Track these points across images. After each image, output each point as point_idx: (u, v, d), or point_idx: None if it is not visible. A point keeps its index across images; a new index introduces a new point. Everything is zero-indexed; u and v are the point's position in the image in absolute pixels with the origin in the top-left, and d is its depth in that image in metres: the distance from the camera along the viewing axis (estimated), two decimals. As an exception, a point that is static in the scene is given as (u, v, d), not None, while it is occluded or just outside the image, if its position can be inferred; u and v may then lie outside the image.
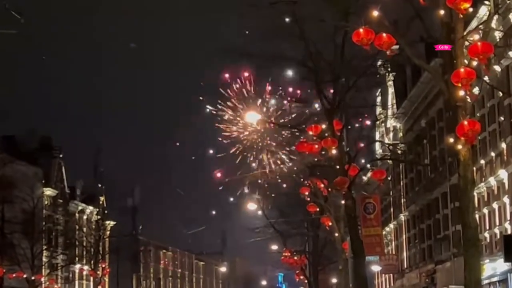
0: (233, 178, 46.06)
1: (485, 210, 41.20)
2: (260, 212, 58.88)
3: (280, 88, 43.02)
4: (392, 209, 65.38)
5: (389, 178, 60.88)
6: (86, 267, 79.78)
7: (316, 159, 39.13)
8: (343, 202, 39.44)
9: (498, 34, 35.32)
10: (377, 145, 58.99)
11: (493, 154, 39.95)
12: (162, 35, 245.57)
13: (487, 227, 41.23)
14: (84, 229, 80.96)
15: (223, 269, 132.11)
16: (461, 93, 21.96)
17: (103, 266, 79.95)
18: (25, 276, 61.36)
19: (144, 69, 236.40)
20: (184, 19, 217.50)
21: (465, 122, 21.61)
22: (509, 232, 36.78)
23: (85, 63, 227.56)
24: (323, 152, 37.48)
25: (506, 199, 38.08)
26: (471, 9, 23.28)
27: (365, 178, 50.33)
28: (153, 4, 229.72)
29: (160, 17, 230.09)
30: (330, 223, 45.42)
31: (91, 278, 79.37)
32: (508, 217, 37.95)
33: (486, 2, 35.35)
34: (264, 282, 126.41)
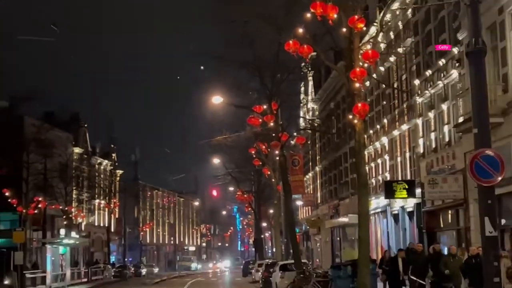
0: (206, 141, 45.90)
1: (372, 164, 42.40)
2: (221, 164, 58.28)
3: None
4: (310, 163, 65.46)
5: (308, 142, 61.20)
6: (103, 202, 79.74)
7: (259, 129, 39.10)
8: (277, 158, 39.68)
9: (382, 45, 35.51)
10: (301, 120, 59.08)
11: (378, 126, 41.18)
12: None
13: (374, 175, 41.85)
14: (102, 176, 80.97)
15: (196, 203, 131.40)
16: (357, 85, 22.79)
17: (114, 201, 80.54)
18: (60, 207, 60.61)
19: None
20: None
21: (359, 105, 22.84)
22: (388, 178, 36.84)
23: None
24: (265, 124, 37.41)
25: (386, 157, 39.94)
26: (364, 28, 23.60)
27: (292, 142, 50.38)
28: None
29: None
30: (269, 173, 46.68)
31: (106, 209, 79.01)
32: (388, 169, 38.35)
33: (375, 23, 35.47)
34: (224, 212, 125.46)
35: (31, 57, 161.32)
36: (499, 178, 13.51)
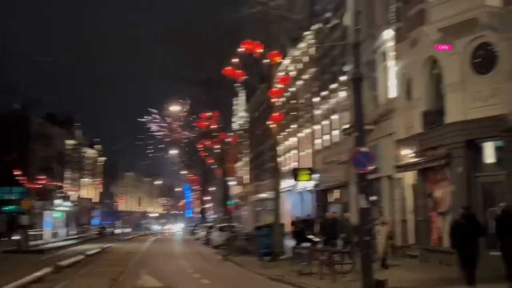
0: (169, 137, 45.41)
1: (285, 156, 41.69)
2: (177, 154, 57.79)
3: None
4: (241, 154, 65.32)
5: (240, 140, 61.14)
6: (89, 180, 77.87)
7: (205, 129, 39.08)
8: (217, 151, 39.53)
9: (293, 72, 35.89)
10: (235, 124, 59.08)
11: (289, 129, 40.71)
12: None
13: (286, 164, 41.67)
14: (89, 161, 78.82)
15: (158, 182, 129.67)
16: (274, 100, 22.39)
17: (98, 180, 78.17)
18: (57, 184, 59.22)
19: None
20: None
21: (276, 114, 22.20)
22: (295, 166, 36.99)
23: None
24: (209, 126, 37.40)
25: (294, 151, 39.29)
26: (280, 60, 23.57)
27: (229, 139, 50.44)
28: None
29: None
30: (211, 161, 45.40)
31: (92, 186, 77.50)
32: (295, 160, 38.43)
33: (288, 57, 35.88)
34: (178, 189, 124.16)
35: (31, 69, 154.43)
36: (371, 167, 13.91)
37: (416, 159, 19.79)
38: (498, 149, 16.91)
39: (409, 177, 21.07)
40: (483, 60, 17.04)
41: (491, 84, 16.56)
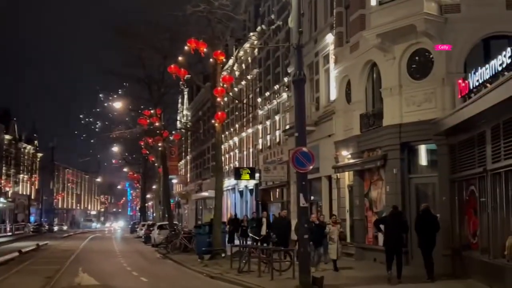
0: (106, 134, 44.38)
1: (227, 155, 42.47)
2: (118, 151, 56.62)
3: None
4: (183, 153, 65.04)
5: (183, 138, 60.73)
6: (26, 176, 75.03)
7: (147, 127, 38.38)
8: (159, 149, 38.98)
9: (237, 73, 35.92)
10: (178, 122, 58.62)
11: (232, 129, 41.99)
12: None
13: (227, 163, 42.41)
14: (26, 157, 76.11)
15: (98, 179, 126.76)
16: (218, 99, 22.60)
17: (35, 176, 75.62)
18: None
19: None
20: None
21: (219, 113, 22.36)
22: (237, 165, 37.30)
23: None
24: (151, 124, 36.78)
25: (236, 151, 40.38)
26: (224, 60, 23.54)
27: (171, 138, 49.93)
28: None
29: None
30: (153, 159, 45.45)
31: (28, 182, 74.78)
32: (237, 159, 39.02)
33: (232, 58, 35.86)
34: (119, 186, 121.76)
35: None
36: (311, 167, 14.05)
37: (354, 160, 20.21)
38: (431, 152, 17.50)
39: (347, 178, 21.56)
40: (419, 66, 17.60)
41: (425, 89, 17.09)
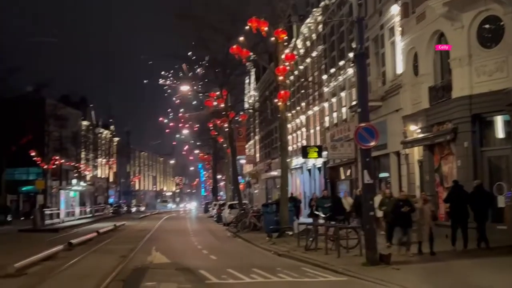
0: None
1: (294, 134, 42.14)
2: (189, 134, 57.65)
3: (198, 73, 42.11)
4: (252, 133, 65.27)
5: (250, 119, 61.11)
6: (104, 160, 78.24)
7: (213, 109, 38.80)
8: (227, 130, 39.33)
9: (301, 50, 35.55)
10: (245, 103, 58.92)
11: (298, 108, 40.96)
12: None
13: (295, 142, 42.21)
14: (103, 142, 79.27)
15: (172, 161, 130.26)
16: (280, 78, 22.33)
17: (112, 160, 78.84)
18: (72, 164, 59.63)
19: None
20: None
21: (282, 92, 22.19)
22: (304, 144, 37.04)
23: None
24: (218, 105, 37.19)
25: (303, 130, 39.84)
26: (286, 37, 23.27)
27: (238, 118, 50.16)
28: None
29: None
30: (222, 140, 45.76)
31: (106, 166, 77.95)
32: (304, 137, 38.63)
33: (297, 35, 35.50)
34: (192, 168, 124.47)
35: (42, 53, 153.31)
36: (373, 143, 13.76)
37: (423, 135, 19.62)
38: (504, 123, 16.72)
39: (416, 153, 20.99)
40: (489, 34, 16.78)
41: (496, 58, 16.29)
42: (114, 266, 14.91)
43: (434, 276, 12.04)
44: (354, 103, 26.84)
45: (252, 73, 61.94)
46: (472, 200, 15.12)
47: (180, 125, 46.96)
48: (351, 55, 28.85)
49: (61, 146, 55.02)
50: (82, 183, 64.52)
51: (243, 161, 64.16)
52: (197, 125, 50.10)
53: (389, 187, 23.26)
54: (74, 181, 63.16)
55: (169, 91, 42.07)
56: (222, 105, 37.22)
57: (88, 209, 59.57)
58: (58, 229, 35.06)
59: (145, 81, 42.10)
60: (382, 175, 24.53)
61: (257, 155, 62.69)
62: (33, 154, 48.72)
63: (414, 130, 20.40)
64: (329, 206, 21.26)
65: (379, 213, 17.45)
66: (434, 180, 19.46)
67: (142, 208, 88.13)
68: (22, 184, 55.30)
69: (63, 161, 54.78)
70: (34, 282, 12.46)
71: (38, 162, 50.15)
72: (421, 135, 19.83)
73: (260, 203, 52.43)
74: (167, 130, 49.45)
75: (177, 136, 58.53)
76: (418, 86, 20.10)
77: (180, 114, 44.84)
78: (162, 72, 41.61)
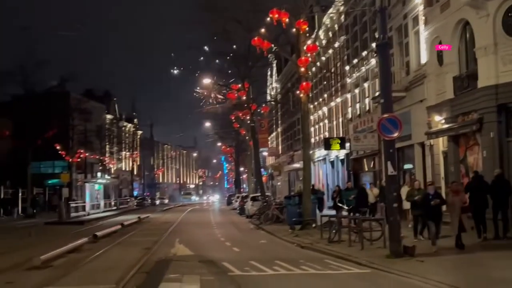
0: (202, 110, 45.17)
1: (316, 126, 41.86)
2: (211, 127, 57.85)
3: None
4: (274, 126, 65.12)
5: (272, 111, 60.89)
6: (128, 153, 78.85)
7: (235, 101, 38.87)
8: (249, 122, 39.34)
9: (323, 41, 35.26)
10: (268, 95, 58.80)
11: (320, 99, 41.09)
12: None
13: (317, 134, 41.99)
14: (127, 135, 79.97)
15: (195, 154, 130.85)
16: (302, 69, 22.20)
17: (136, 152, 79.35)
18: (97, 157, 60.24)
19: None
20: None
21: (304, 83, 22.08)
22: (327, 136, 36.90)
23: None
24: (239, 98, 37.23)
25: (326, 121, 39.83)
26: (308, 28, 23.12)
27: (260, 110, 50.13)
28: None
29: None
30: (244, 132, 45.68)
31: (130, 159, 78.62)
32: (327, 129, 38.55)
33: (318, 26, 35.24)
34: (214, 160, 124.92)
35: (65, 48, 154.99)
36: (397, 134, 13.59)
37: (448, 125, 19.35)
38: (531, 113, 16.41)
39: (441, 144, 20.72)
40: (516, 22, 16.39)
41: (524, 46, 15.95)
42: (138, 258, 15.07)
43: (459, 269, 11.93)
44: (377, 93, 26.61)
45: (274, 65, 61.78)
46: (492, 190, 15.22)
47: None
48: (374, 45, 28.61)
49: (85, 139, 55.55)
50: (106, 176, 65.14)
51: (265, 153, 64.16)
52: (220, 119, 50.25)
53: (415, 178, 23.04)
54: (98, 174, 63.89)
55: (199, 93, 42.08)
56: (244, 98, 37.26)
57: (112, 202, 60.24)
58: (83, 222, 35.55)
59: (174, 71, 41.58)
60: (406, 166, 24.33)
61: (280, 147, 62.64)
62: (58, 147, 49.39)
63: (439, 120, 20.12)
64: (354, 198, 21.26)
65: (406, 205, 17.44)
66: (459, 171, 19.20)
67: (166, 201, 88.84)
68: (48, 177, 56.12)
69: (87, 154, 55.35)
70: (59, 274, 12.65)
71: (63, 156, 50.81)
72: (445, 126, 19.55)
73: (282, 195, 52.46)
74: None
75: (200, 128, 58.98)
76: (443, 76, 19.80)
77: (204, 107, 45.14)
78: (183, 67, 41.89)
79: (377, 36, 26.58)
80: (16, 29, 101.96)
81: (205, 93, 40.76)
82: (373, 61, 28.59)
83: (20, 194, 45.35)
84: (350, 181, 29.12)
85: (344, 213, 20.65)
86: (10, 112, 48.91)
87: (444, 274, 11.11)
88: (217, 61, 42.43)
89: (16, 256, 16.33)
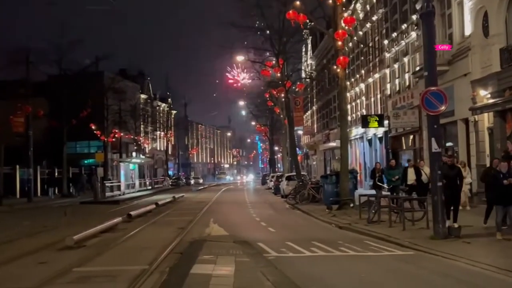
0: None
1: (353, 103, 41.33)
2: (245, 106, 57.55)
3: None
4: (309, 104, 64.52)
5: (308, 89, 60.13)
6: (162, 133, 79.36)
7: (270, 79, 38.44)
8: (283, 99, 38.85)
9: (361, 15, 34.32)
10: (302, 72, 58.04)
11: (357, 76, 40.52)
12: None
13: (354, 111, 41.38)
14: (161, 114, 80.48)
15: (228, 134, 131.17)
16: (339, 43, 21.59)
17: (170, 132, 79.78)
18: (131, 137, 60.72)
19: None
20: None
21: (341, 58, 21.68)
22: (364, 113, 36.17)
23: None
24: (274, 75, 36.75)
25: (363, 98, 39.00)
26: (344, 1, 22.41)
27: (295, 88, 49.53)
28: None
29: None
30: (278, 111, 45.17)
31: (165, 138, 79.06)
32: (364, 106, 38.06)
33: (354, 0, 34.24)
34: (248, 140, 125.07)
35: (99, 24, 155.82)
36: (443, 108, 12.93)
37: (494, 100, 18.55)
38: None
39: (486, 120, 19.92)
40: None
41: None
42: (172, 238, 14.89)
43: (507, 251, 11.28)
44: (418, 68, 25.76)
45: (309, 41, 60.88)
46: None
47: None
48: (414, 17, 27.67)
49: (120, 119, 55.85)
50: (141, 156, 65.73)
51: (300, 132, 63.65)
52: (254, 97, 49.84)
53: (455, 157, 22.21)
54: (133, 154, 64.52)
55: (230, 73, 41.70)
56: (279, 75, 36.71)
57: (147, 181, 60.82)
58: (118, 201, 35.91)
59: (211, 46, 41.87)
60: (447, 144, 23.53)
61: (315, 126, 62.03)
62: (93, 127, 49.86)
63: (484, 95, 19.32)
64: (398, 179, 18.61)
65: (466, 187, 16.44)
66: (507, 148, 18.40)
67: (201, 180, 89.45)
68: (83, 157, 56.92)
69: (122, 134, 55.83)
70: (92, 255, 12.54)
71: (98, 135, 51.26)
72: (491, 101, 18.74)
73: (318, 174, 51.96)
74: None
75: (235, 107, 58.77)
76: (489, 48, 18.98)
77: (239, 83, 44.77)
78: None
79: (417, 7, 25.83)
80: (43, 5, 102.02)
81: (238, 72, 40.53)
82: (413, 34, 27.67)
83: (56, 174, 46.14)
84: (394, 159, 27.68)
85: (384, 192, 19.95)
86: (45, 92, 49.48)
87: (491, 256, 10.47)
88: (250, 37, 41.94)
89: (50, 236, 16.42)
